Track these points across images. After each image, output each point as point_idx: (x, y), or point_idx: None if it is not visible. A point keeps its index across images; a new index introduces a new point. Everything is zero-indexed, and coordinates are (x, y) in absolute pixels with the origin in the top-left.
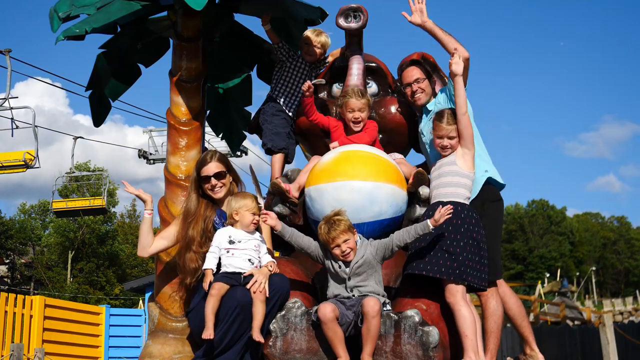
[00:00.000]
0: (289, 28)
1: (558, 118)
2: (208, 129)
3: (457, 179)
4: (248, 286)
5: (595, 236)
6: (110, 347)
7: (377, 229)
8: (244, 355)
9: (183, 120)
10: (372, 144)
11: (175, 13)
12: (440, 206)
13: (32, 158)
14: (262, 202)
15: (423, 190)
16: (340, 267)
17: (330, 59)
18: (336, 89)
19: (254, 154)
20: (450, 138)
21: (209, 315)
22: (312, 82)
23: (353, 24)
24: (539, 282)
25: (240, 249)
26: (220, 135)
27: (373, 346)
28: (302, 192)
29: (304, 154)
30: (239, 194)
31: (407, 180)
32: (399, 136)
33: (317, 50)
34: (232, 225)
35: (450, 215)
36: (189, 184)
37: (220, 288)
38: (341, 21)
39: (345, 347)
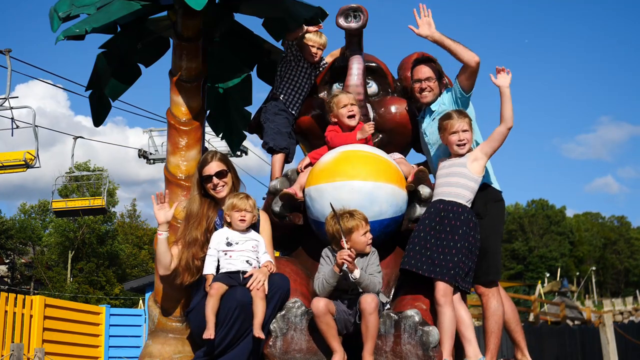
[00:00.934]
0: (289, 28)
1: (555, 119)
2: (208, 129)
3: (464, 181)
4: (247, 285)
5: (595, 236)
6: (110, 347)
7: (377, 229)
8: (245, 354)
9: (183, 120)
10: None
11: (175, 13)
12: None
13: (33, 158)
14: (346, 246)
15: (423, 190)
16: (345, 279)
17: (330, 59)
18: (336, 88)
19: (254, 154)
20: (465, 131)
21: (210, 316)
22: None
23: (353, 24)
24: (539, 282)
25: (238, 251)
26: (220, 135)
27: (373, 343)
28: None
29: (304, 154)
30: (231, 194)
31: (407, 179)
32: (399, 136)
33: (319, 52)
34: (228, 226)
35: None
36: (189, 183)
37: (219, 288)
38: (341, 21)
39: (339, 341)
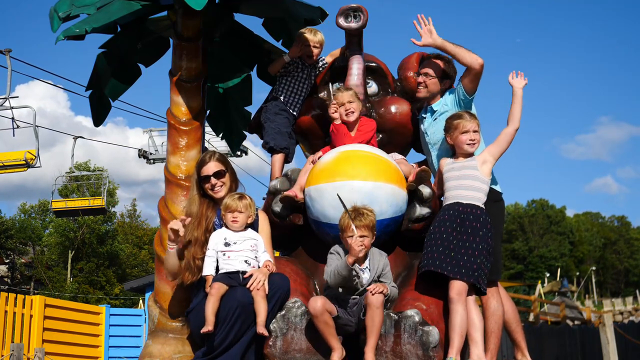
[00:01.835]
0: (289, 28)
1: (555, 119)
2: (208, 129)
3: (477, 184)
4: (247, 285)
5: (595, 236)
6: (110, 347)
7: (377, 229)
8: (246, 354)
9: (183, 120)
10: (369, 141)
11: (175, 13)
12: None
13: (33, 157)
14: (356, 232)
15: (424, 190)
16: (355, 282)
17: (330, 59)
18: (332, 88)
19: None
20: (475, 132)
21: (210, 316)
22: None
23: (353, 24)
24: (539, 282)
25: (236, 251)
26: (220, 135)
27: (376, 339)
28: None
29: (303, 154)
30: (227, 195)
31: (407, 179)
32: (399, 136)
33: (316, 50)
34: (226, 226)
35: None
36: (189, 183)
37: (219, 288)
38: (341, 21)
39: (337, 339)
